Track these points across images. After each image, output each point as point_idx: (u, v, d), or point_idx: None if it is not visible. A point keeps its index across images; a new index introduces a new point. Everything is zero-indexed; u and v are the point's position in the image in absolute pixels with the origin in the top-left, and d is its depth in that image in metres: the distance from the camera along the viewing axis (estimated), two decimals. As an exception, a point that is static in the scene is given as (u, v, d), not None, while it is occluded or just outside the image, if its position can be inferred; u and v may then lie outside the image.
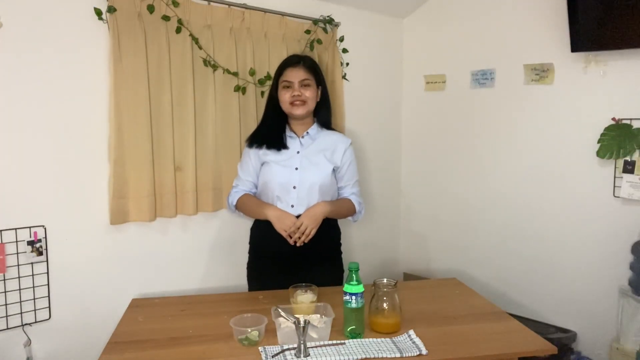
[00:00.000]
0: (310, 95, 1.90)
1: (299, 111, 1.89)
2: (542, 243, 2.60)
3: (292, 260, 1.90)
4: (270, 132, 1.96)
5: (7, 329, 1.85)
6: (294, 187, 1.88)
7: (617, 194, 2.31)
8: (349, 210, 1.99)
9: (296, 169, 1.89)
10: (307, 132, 1.96)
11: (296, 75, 1.88)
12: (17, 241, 1.84)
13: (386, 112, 3.13)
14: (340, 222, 2.08)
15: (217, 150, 2.29)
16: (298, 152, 1.93)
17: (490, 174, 2.81)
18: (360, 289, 1.51)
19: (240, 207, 1.97)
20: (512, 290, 2.73)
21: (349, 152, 1.99)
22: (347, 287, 1.51)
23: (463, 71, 2.87)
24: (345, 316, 1.53)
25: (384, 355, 1.39)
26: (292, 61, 1.91)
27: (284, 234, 1.80)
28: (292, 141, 1.95)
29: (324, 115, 2.00)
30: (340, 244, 2.08)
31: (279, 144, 1.93)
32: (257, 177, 1.98)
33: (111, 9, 1.92)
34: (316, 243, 1.90)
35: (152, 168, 2.08)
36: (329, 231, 1.99)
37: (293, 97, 1.87)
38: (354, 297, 1.50)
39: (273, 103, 1.96)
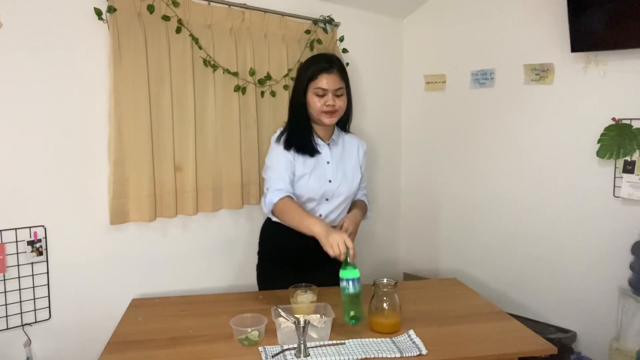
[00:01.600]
0: (343, 104, 1.84)
1: (331, 120, 1.83)
2: (542, 243, 2.60)
3: (303, 260, 1.89)
4: (302, 138, 1.86)
5: (7, 329, 1.85)
6: (327, 200, 1.89)
7: (617, 194, 2.31)
8: (366, 212, 2.05)
9: (329, 181, 1.88)
10: (332, 139, 1.93)
11: (332, 83, 1.79)
12: (17, 241, 1.84)
13: (386, 112, 3.13)
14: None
15: (217, 150, 2.29)
16: (328, 162, 1.90)
17: (490, 174, 2.81)
18: (356, 273, 1.50)
19: (280, 212, 1.75)
20: (512, 290, 2.73)
21: (366, 155, 2.05)
22: (342, 274, 1.50)
23: (463, 71, 2.87)
24: (343, 303, 1.52)
25: (384, 355, 1.39)
26: (326, 66, 1.80)
27: (331, 252, 1.56)
28: (321, 148, 1.90)
29: (346, 117, 1.96)
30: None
31: (312, 150, 1.86)
32: (293, 177, 1.84)
33: (111, 9, 1.92)
34: None
35: (152, 168, 2.08)
36: None
37: (327, 107, 1.80)
38: (351, 283, 1.49)
39: (301, 107, 1.85)
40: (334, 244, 1.54)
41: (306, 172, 1.84)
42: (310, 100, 1.82)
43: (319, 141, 1.90)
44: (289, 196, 1.76)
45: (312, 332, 1.47)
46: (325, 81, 1.79)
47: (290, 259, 1.92)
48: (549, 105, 2.53)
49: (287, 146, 1.85)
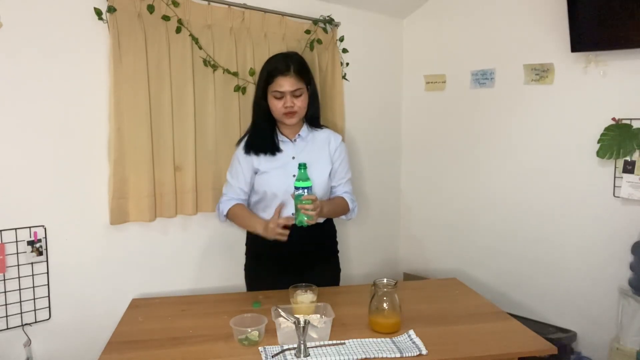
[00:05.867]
0: (302, 104, 1.85)
1: (291, 121, 1.85)
2: (542, 243, 2.60)
3: (288, 261, 1.90)
4: (263, 138, 1.90)
5: (7, 329, 1.85)
6: None
7: (617, 194, 2.31)
8: (344, 209, 1.97)
9: (294, 176, 1.83)
10: (299, 135, 1.93)
11: (287, 84, 1.80)
12: (17, 241, 1.84)
13: (386, 112, 3.13)
14: (340, 223, 2.08)
15: (217, 150, 2.29)
16: (293, 158, 1.89)
17: (490, 174, 2.81)
18: (309, 183, 1.69)
19: (232, 217, 1.93)
20: (512, 290, 2.73)
21: (341, 149, 1.98)
22: (297, 184, 1.68)
23: (463, 71, 2.87)
24: (296, 209, 1.69)
25: (384, 355, 1.39)
26: (281, 69, 1.81)
27: (280, 236, 1.74)
28: (284, 145, 1.91)
29: (312, 113, 1.95)
30: (336, 243, 2.08)
31: (272, 149, 1.89)
32: (248, 185, 1.93)
33: (111, 9, 1.92)
34: (313, 243, 1.92)
35: (152, 168, 2.08)
36: (325, 231, 2.00)
37: (286, 108, 1.82)
38: (306, 190, 1.67)
39: (262, 110, 1.89)
40: (270, 233, 1.74)
41: (269, 169, 1.88)
42: (270, 103, 1.85)
43: (283, 138, 1.92)
44: (238, 204, 1.93)
45: (312, 332, 1.47)
46: (282, 84, 1.80)
47: (276, 258, 1.91)
48: (549, 105, 2.53)
49: (247, 150, 1.91)
